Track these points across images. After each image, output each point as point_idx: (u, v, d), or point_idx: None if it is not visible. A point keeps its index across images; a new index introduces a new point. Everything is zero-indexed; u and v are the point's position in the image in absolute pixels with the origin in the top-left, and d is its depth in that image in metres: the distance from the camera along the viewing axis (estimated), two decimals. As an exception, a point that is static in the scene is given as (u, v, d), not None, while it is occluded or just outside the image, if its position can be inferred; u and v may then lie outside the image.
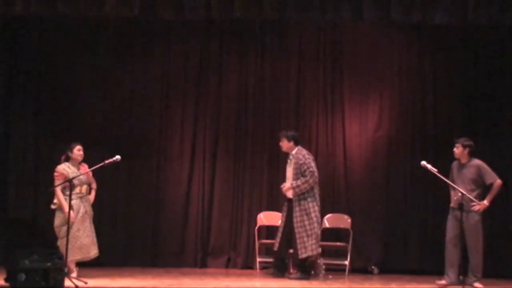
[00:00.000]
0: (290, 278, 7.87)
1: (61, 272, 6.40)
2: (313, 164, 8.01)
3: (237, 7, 7.69)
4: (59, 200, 7.33)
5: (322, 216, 9.23)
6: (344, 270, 8.73)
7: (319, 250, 8.04)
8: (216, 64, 9.60)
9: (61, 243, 7.23)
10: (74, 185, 7.32)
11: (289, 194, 8.00)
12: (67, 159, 7.58)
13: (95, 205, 9.04)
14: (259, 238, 9.06)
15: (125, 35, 9.52)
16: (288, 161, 8.16)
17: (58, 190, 7.33)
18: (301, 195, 7.89)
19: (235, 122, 9.54)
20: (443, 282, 7.45)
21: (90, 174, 7.61)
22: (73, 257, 7.25)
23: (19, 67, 9.37)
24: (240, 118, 9.54)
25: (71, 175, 7.33)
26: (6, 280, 6.40)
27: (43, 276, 6.26)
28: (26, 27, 9.26)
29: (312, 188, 7.94)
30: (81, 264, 7.56)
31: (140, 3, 7.66)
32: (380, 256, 9.18)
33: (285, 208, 8.11)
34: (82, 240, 7.35)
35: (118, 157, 7.38)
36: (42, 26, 9.23)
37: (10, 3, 7.62)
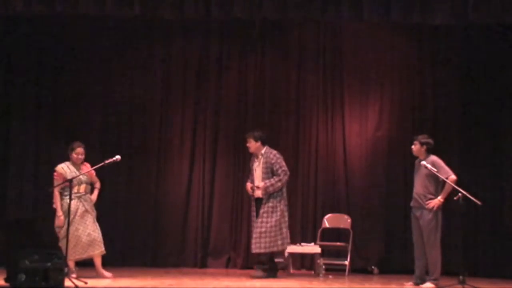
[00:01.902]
0: (251, 277, 7.75)
1: (61, 272, 6.39)
2: (284, 163, 7.95)
3: (237, 7, 7.69)
4: (55, 201, 7.37)
5: (322, 216, 9.28)
6: (344, 270, 8.72)
7: (286, 247, 7.94)
8: (216, 64, 9.60)
9: (62, 243, 7.23)
10: (72, 185, 7.31)
11: (258, 194, 7.89)
12: (67, 158, 7.57)
13: (95, 205, 9.07)
14: (259, 238, 9.05)
15: (125, 35, 9.52)
16: (256, 161, 8.02)
17: (56, 191, 7.35)
18: (271, 194, 7.82)
19: (235, 122, 9.54)
20: (410, 283, 7.44)
21: (93, 173, 7.59)
22: (72, 256, 7.26)
23: (19, 67, 9.37)
24: (240, 118, 9.54)
25: (69, 175, 7.32)
26: (6, 280, 6.39)
27: (43, 276, 6.25)
28: (26, 27, 9.25)
29: (282, 187, 7.90)
30: (81, 264, 7.56)
31: (140, 3, 7.66)
32: (380, 256, 9.18)
33: (253, 209, 7.99)
34: (82, 239, 7.35)
35: (118, 157, 7.37)
36: (42, 26, 9.23)
37: (10, 3, 7.62)
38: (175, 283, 7.24)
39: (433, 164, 7.36)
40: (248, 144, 8.06)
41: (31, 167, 9.24)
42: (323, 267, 8.33)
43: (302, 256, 9.14)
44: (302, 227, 9.36)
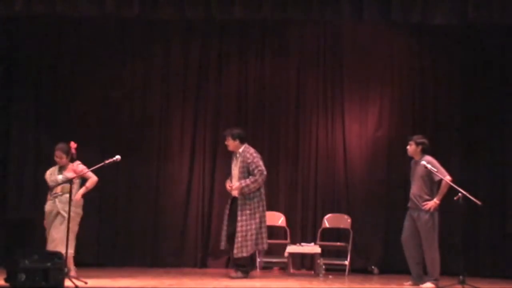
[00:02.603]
0: (231, 278, 7.66)
1: (61, 272, 6.39)
2: (261, 162, 7.79)
3: (237, 7, 7.69)
4: None
5: (322, 216, 9.28)
6: (344, 270, 8.73)
7: (265, 246, 7.86)
8: (216, 64, 9.61)
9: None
10: (52, 187, 7.34)
11: (235, 193, 7.76)
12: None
13: (95, 205, 9.08)
14: (259, 238, 9.05)
15: (125, 35, 9.52)
16: (234, 159, 7.88)
17: (49, 194, 7.43)
18: (248, 195, 7.70)
19: (235, 122, 9.53)
20: (409, 283, 7.45)
21: (80, 171, 7.44)
22: None
23: (19, 67, 9.37)
24: (240, 118, 9.54)
25: (48, 179, 7.39)
26: (6, 280, 6.39)
27: (43, 276, 6.25)
28: (26, 27, 9.25)
29: (259, 188, 7.78)
30: (81, 264, 7.55)
31: (140, 3, 7.66)
32: (380, 256, 9.18)
33: (228, 207, 7.85)
34: (48, 241, 7.31)
35: (118, 157, 7.35)
36: (42, 26, 9.23)
37: (10, 3, 7.62)
38: (175, 283, 7.24)
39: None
40: (226, 142, 7.91)
41: (31, 167, 9.24)
42: (323, 267, 8.32)
43: (302, 256, 9.14)
44: (302, 227, 9.36)
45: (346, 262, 8.77)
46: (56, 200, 7.35)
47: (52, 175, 7.43)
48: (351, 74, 9.58)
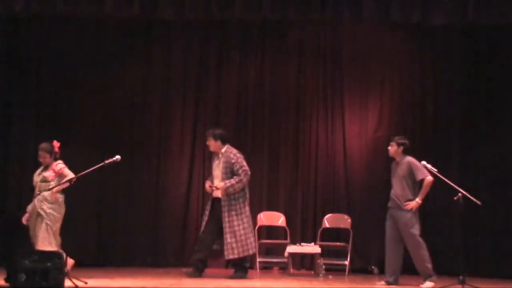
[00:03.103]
0: (231, 278, 7.65)
1: (61, 272, 6.39)
2: (245, 163, 7.76)
3: (237, 7, 7.69)
4: None
5: (322, 216, 9.28)
6: (344, 270, 8.73)
7: (251, 251, 7.77)
8: (216, 64, 9.61)
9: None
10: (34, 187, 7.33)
11: (218, 194, 7.70)
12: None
13: (95, 205, 9.09)
14: (259, 238, 9.04)
15: (125, 35, 9.52)
16: (216, 160, 7.83)
17: None
18: (232, 195, 7.65)
19: (235, 121, 9.55)
20: (382, 282, 7.48)
21: (59, 171, 7.38)
22: None
23: (19, 67, 9.37)
24: (240, 118, 9.55)
25: (34, 179, 7.35)
26: (6, 280, 6.38)
27: (43, 276, 6.24)
28: (26, 27, 9.25)
29: (243, 188, 7.74)
30: (80, 264, 7.53)
31: (140, 3, 7.66)
32: (380, 256, 9.13)
33: (208, 208, 7.77)
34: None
35: (118, 157, 7.35)
36: (42, 26, 9.23)
37: (10, 3, 7.62)
38: (175, 283, 7.24)
39: (409, 164, 7.39)
40: (207, 143, 7.87)
41: (31, 168, 9.21)
42: (323, 267, 8.32)
43: (302, 256, 9.14)
44: (302, 227, 9.37)
45: (346, 262, 8.78)
46: (35, 200, 7.31)
47: (36, 175, 7.41)
48: (351, 74, 9.59)
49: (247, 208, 7.77)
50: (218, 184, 7.69)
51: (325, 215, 9.26)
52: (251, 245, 7.72)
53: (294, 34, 9.65)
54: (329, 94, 9.59)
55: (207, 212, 7.80)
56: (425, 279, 7.31)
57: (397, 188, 7.40)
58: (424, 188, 7.33)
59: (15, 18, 8.80)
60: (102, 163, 7.36)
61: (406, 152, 7.49)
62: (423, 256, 7.30)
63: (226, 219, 7.63)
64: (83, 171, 7.27)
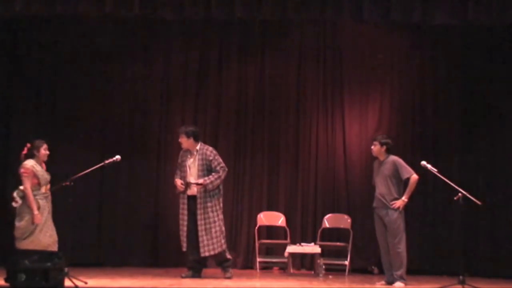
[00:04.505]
0: (227, 278, 7.66)
1: (61, 272, 6.39)
2: (221, 159, 7.79)
3: (237, 7, 7.69)
4: (30, 200, 7.03)
5: (322, 216, 9.28)
6: (344, 270, 8.73)
7: (224, 246, 7.76)
8: (216, 64, 9.61)
9: (23, 244, 7.00)
10: (40, 185, 7.21)
11: (193, 191, 7.65)
12: (29, 157, 7.21)
13: (95, 205, 9.10)
14: (259, 238, 9.06)
15: (125, 35, 9.52)
16: (189, 157, 7.74)
17: (29, 189, 7.05)
18: (208, 192, 7.64)
19: (235, 122, 9.55)
20: (382, 282, 7.51)
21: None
22: None
23: (19, 67, 9.37)
24: (240, 118, 9.55)
25: (40, 173, 7.18)
26: (6, 280, 6.38)
27: (43, 276, 6.25)
28: (26, 27, 9.25)
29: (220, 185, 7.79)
30: (81, 264, 7.54)
31: (140, 3, 7.66)
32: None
33: (185, 206, 7.67)
34: (42, 240, 7.12)
35: (118, 157, 7.37)
36: (42, 26, 9.22)
37: (10, 3, 7.61)
38: (175, 283, 7.24)
39: (394, 164, 7.42)
40: (180, 140, 7.81)
41: (31, 167, 9.22)
42: (323, 267, 8.33)
43: (302, 256, 9.14)
44: (302, 227, 9.36)
45: (346, 262, 8.78)
46: (47, 199, 7.20)
47: (40, 170, 7.21)
48: (351, 74, 9.59)
49: (221, 206, 7.79)
50: (197, 180, 7.64)
51: (325, 215, 9.26)
52: (224, 240, 7.73)
53: (294, 34, 9.65)
54: (329, 94, 9.59)
55: (185, 212, 7.70)
56: (397, 280, 7.32)
57: (382, 188, 7.42)
58: (409, 187, 7.35)
59: (15, 18, 8.79)
60: (102, 163, 7.37)
61: (389, 151, 7.50)
62: (403, 256, 7.32)
63: (202, 216, 7.62)
64: (83, 171, 7.29)
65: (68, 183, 7.18)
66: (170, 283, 7.22)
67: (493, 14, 7.60)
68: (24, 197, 7.09)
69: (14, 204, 7.17)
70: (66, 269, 6.65)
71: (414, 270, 8.88)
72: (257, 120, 9.54)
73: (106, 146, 9.06)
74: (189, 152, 7.80)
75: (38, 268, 6.27)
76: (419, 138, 9.38)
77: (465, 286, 6.92)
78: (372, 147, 7.60)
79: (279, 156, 9.51)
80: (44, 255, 6.42)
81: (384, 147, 7.51)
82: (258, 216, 9.24)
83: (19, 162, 9.29)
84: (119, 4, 7.66)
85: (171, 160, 9.44)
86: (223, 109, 9.57)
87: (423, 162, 7.41)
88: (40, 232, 7.16)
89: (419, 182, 9.02)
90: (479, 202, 7.25)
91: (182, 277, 7.66)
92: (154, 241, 9.32)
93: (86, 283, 6.75)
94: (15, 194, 7.16)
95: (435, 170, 7.31)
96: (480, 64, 9.33)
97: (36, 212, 7.01)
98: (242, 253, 9.25)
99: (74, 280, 6.60)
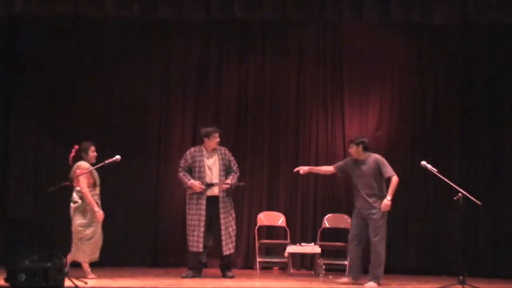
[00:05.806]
0: (230, 277, 7.70)
1: (61, 272, 6.39)
2: None
3: (237, 7, 7.69)
4: (89, 199, 7.24)
5: (322, 216, 9.29)
6: (344, 270, 8.72)
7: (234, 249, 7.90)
8: (216, 64, 9.61)
9: (84, 244, 7.25)
10: (95, 185, 7.34)
11: (214, 192, 7.68)
12: (79, 159, 7.44)
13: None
14: (259, 238, 9.06)
15: (125, 35, 9.52)
16: (207, 158, 7.77)
17: (86, 188, 7.26)
18: (228, 192, 7.76)
19: (235, 122, 9.55)
20: (344, 279, 7.54)
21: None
22: (89, 258, 7.32)
23: (19, 67, 9.37)
24: (240, 118, 9.55)
25: (95, 174, 7.35)
26: (6, 280, 6.39)
27: (43, 276, 6.25)
28: (26, 27, 9.25)
29: None
30: (78, 265, 7.53)
31: (140, 3, 7.66)
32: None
33: (203, 207, 7.65)
34: (97, 241, 7.36)
35: (118, 157, 7.37)
36: (42, 26, 9.22)
37: (10, 3, 7.62)
38: (175, 283, 7.24)
39: (377, 162, 7.40)
40: (218, 140, 7.83)
41: (31, 167, 9.24)
42: (323, 267, 8.33)
43: (302, 256, 9.14)
44: (302, 227, 9.36)
45: (346, 262, 8.76)
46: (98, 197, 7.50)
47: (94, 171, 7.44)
48: (351, 74, 9.59)
49: (233, 205, 7.93)
50: (227, 180, 7.74)
51: (325, 215, 9.25)
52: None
53: (294, 34, 9.65)
54: (329, 94, 9.59)
55: (203, 212, 7.69)
56: (371, 279, 7.29)
57: (367, 188, 7.38)
58: (392, 187, 7.35)
59: (15, 18, 8.79)
60: (102, 163, 7.37)
61: (366, 149, 7.49)
62: (382, 257, 7.30)
63: (224, 215, 7.70)
64: (83, 171, 7.29)
65: (68, 183, 7.20)
66: (170, 283, 7.22)
67: (493, 14, 7.60)
68: (82, 197, 7.29)
69: (72, 204, 7.36)
70: (66, 269, 6.66)
71: (414, 270, 8.90)
72: (257, 120, 9.54)
73: (106, 146, 9.05)
74: (204, 152, 7.82)
75: (38, 268, 6.27)
76: (419, 138, 9.38)
77: (465, 286, 6.92)
78: (349, 149, 7.57)
79: (279, 156, 9.51)
80: (44, 255, 6.42)
81: (361, 146, 7.48)
82: (258, 216, 9.24)
83: (19, 162, 9.37)
84: (119, 4, 7.66)
85: (171, 160, 9.45)
86: (223, 109, 9.57)
87: (423, 162, 7.41)
88: (96, 232, 7.31)
89: (420, 182, 9.14)
90: (479, 202, 7.25)
91: (182, 277, 7.67)
92: (154, 241, 9.32)
93: (86, 283, 6.75)
94: (74, 194, 7.34)
95: (435, 170, 7.31)
96: (480, 64, 9.33)
97: (97, 209, 7.23)
98: (242, 253, 9.25)
99: (74, 280, 6.60)
